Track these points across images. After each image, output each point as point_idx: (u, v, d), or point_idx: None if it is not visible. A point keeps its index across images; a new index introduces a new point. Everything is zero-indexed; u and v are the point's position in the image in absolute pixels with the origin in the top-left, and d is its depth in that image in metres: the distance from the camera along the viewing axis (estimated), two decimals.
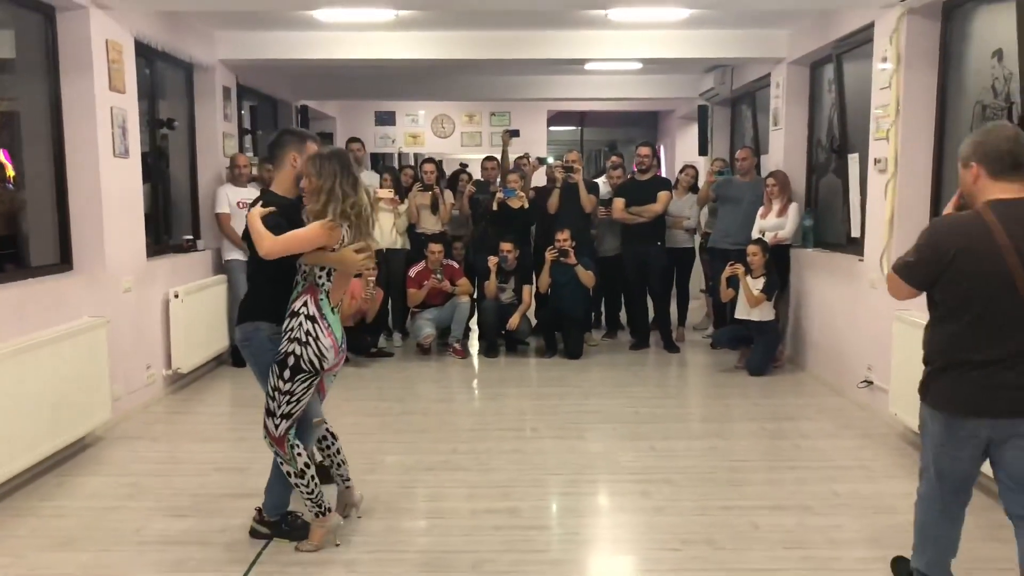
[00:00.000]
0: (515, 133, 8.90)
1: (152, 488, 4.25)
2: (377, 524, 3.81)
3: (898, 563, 3.23)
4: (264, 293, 3.42)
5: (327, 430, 3.74)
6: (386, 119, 12.35)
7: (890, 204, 5.16)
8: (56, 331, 4.53)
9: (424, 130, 12.36)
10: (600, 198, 7.88)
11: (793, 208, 6.94)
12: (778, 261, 6.89)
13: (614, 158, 8.86)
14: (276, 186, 3.50)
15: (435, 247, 7.35)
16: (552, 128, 13.06)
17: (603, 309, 8.48)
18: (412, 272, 7.46)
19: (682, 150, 11.93)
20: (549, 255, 7.32)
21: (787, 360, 6.95)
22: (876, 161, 5.34)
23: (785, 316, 6.98)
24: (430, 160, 7.95)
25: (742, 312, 6.82)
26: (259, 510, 3.67)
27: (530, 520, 3.86)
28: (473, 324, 8.09)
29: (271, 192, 3.50)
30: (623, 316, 8.32)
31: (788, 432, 5.17)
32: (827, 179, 6.81)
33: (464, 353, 7.43)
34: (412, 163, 11.27)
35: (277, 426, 3.37)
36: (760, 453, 4.77)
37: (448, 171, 9.92)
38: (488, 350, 7.48)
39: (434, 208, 7.78)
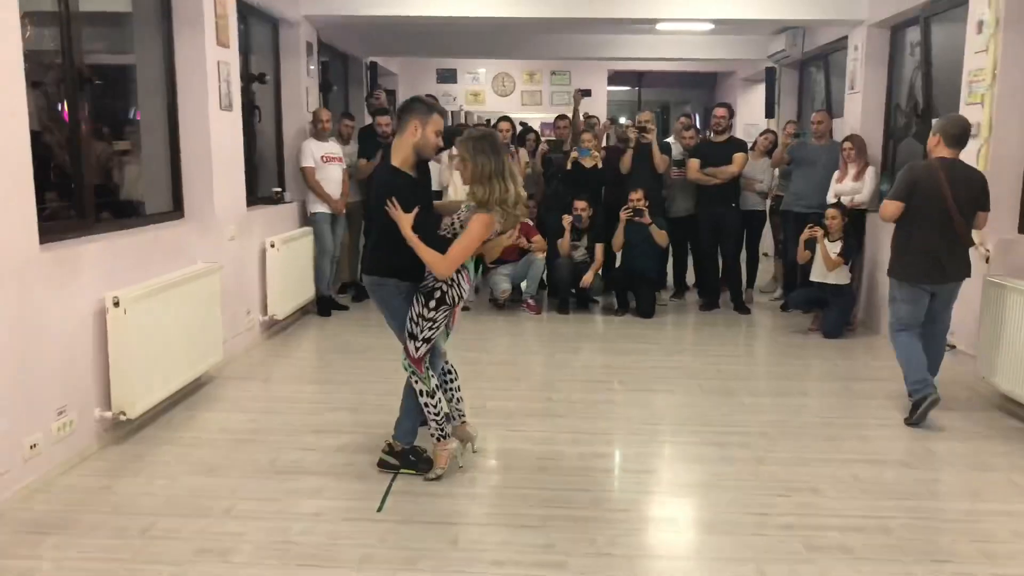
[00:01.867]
0: (586, 93, 8.97)
1: (274, 425, 4.50)
2: (493, 462, 4.03)
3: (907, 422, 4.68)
4: (390, 250, 3.59)
5: (450, 365, 3.97)
6: (447, 76, 12.42)
7: (982, 169, 5.20)
8: (177, 275, 4.77)
9: (485, 88, 12.42)
10: (672, 159, 7.95)
11: (870, 172, 6.99)
12: (854, 225, 6.95)
13: (683, 119, 8.93)
14: (394, 154, 3.56)
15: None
16: (609, 88, 13.05)
17: (671, 269, 8.59)
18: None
19: (744, 112, 11.91)
20: (624, 214, 7.43)
21: (860, 324, 7.04)
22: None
23: (859, 280, 7.05)
24: (506, 119, 8.04)
25: (818, 275, 6.91)
26: (388, 443, 3.90)
27: (638, 464, 4.06)
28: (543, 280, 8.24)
29: (390, 167, 3.54)
30: (689, 277, 8.45)
31: (873, 392, 5.29)
32: (906, 143, 6.84)
33: (538, 309, 7.60)
34: (476, 121, 11.34)
35: (418, 348, 3.63)
36: (848, 411, 4.91)
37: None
38: (560, 306, 7.65)
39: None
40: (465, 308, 7.64)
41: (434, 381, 3.75)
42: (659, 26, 8.72)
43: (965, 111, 5.47)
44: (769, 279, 8.84)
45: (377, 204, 3.57)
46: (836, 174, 7.20)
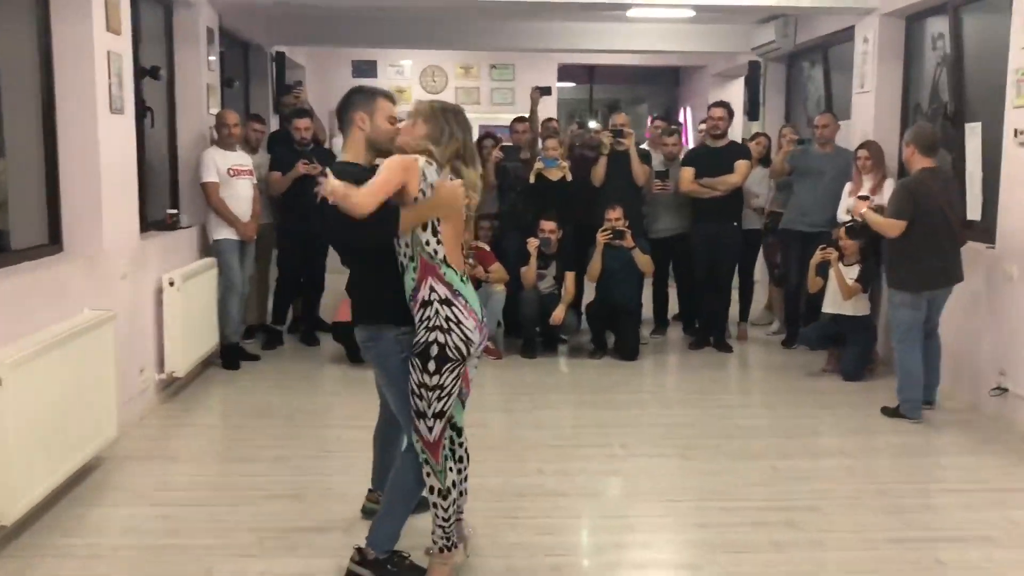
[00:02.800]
0: (546, 91, 8.79)
1: (196, 522, 4.09)
2: (495, 564, 3.71)
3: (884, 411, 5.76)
4: (379, 289, 3.42)
5: (464, 449, 3.68)
6: (366, 70, 12.14)
7: None
8: (58, 329, 4.30)
9: (411, 84, 12.19)
10: (653, 169, 7.83)
11: (888, 185, 6.95)
12: (871, 246, 6.91)
13: (659, 121, 8.85)
14: (347, 154, 3.48)
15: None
16: (559, 84, 12.97)
17: (647, 300, 8.43)
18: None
19: None
20: (602, 237, 7.24)
21: (881, 362, 7.00)
22: (1017, 132, 5.37)
23: (877, 310, 7.02)
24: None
25: (832, 305, 6.85)
26: (359, 549, 3.55)
27: (672, 557, 3.81)
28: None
29: (342, 162, 3.45)
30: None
31: (921, 448, 5.22)
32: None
33: (498, 352, 7.34)
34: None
35: (431, 428, 3.36)
36: (903, 474, 4.82)
37: None
38: (525, 349, 7.40)
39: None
40: (496, 357, 7.23)
41: (452, 476, 3.48)
42: (631, 12, 8.62)
43: (1012, 115, 5.49)
44: (762, 310, 8.78)
45: (332, 231, 3.35)
46: (848, 187, 7.17)
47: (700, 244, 7.60)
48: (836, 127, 7.57)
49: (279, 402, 6.05)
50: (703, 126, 8.56)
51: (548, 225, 7.28)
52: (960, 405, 5.98)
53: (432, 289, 3.30)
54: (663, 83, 14.10)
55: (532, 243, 7.28)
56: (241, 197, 6.90)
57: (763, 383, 6.79)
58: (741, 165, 7.48)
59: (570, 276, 7.44)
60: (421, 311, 3.31)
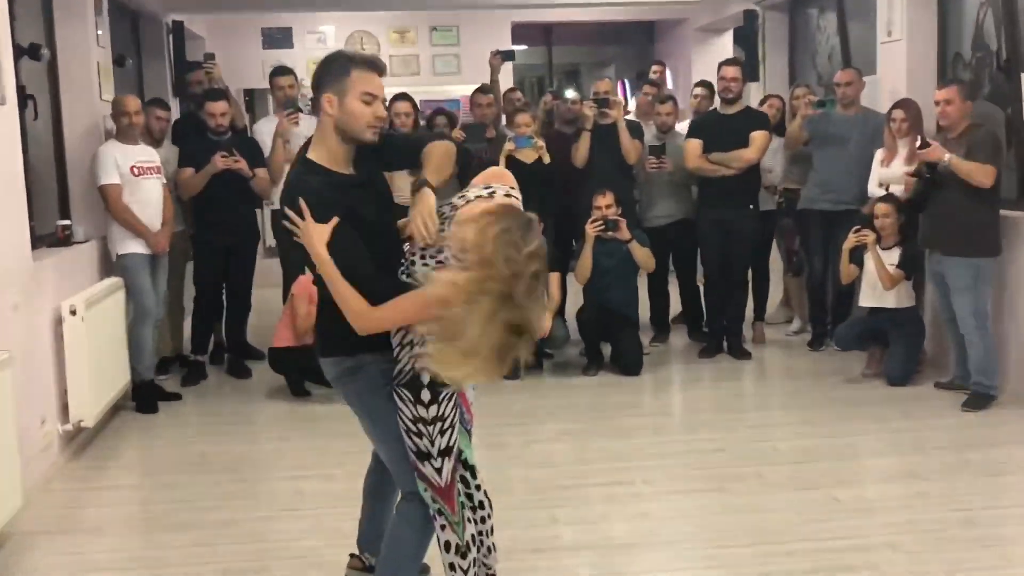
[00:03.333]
0: (508, 56, 8.68)
1: None
2: None
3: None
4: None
5: (482, 493, 3.57)
6: (279, 40, 11.90)
7: None
8: None
9: None
10: (646, 145, 7.75)
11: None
12: (911, 225, 6.89)
13: (649, 87, 8.76)
14: (313, 148, 3.31)
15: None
16: (514, 47, 12.86)
17: (643, 300, 8.34)
18: None
19: (701, 75, 11.87)
20: (592, 229, 7.13)
21: (929, 364, 6.97)
22: None
23: (922, 300, 6.99)
24: (404, 97, 7.62)
25: (871, 298, 6.83)
26: None
27: None
28: None
29: (302, 160, 3.28)
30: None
31: (1006, 465, 5.21)
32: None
33: None
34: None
35: (440, 469, 3.26)
36: (992, 497, 4.79)
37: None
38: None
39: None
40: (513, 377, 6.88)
41: (471, 529, 3.38)
42: None
43: None
44: (777, 306, 8.73)
45: (292, 241, 3.21)
46: (879, 154, 7.14)
47: (710, 233, 7.51)
48: (861, 84, 7.54)
49: (215, 451, 5.85)
50: (699, 91, 8.52)
51: None
52: None
53: None
54: (635, 42, 14.06)
55: None
56: (149, 201, 6.67)
57: (795, 395, 6.72)
58: (759, 137, 7.40)
59: (554, 278, 7.28)
60: (401, 330, 3.18)
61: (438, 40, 12.19)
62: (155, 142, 7.21)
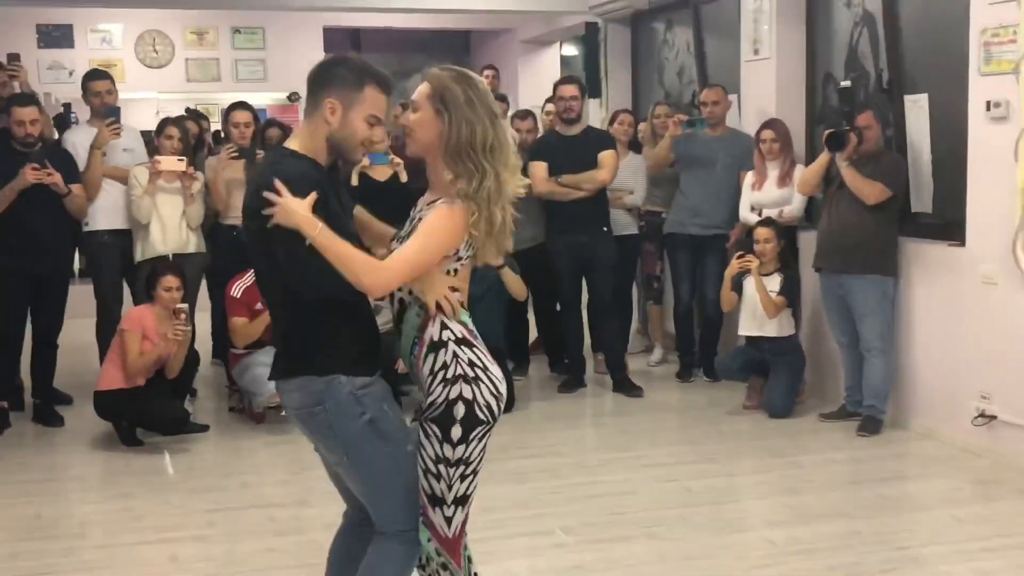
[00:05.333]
0: None
1: None
2: None
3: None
4: (323, 327, 3.18)
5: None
6: (58, 38, 11.32)
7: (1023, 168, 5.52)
8: None
9: (123, 56, 11.43)
10: None
11: (800, 171, 7.20)
12: (789, 251, 7.12)
13: (506, 105, 8.68)
14: (298, 142, 3.24)
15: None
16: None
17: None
18: (235, 290, 6.84)
19: (528, 89, 12.00)
20: None
21: (809, 393, 7.20)
22: (991, 106, 5.68)
23: (799, 329, 7.21)
24: (243, 106, 7.31)
25: (751, 327, 6.99)
26: None
27: None
28: None
29: (287, 151, 3.22)
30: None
31: (922, 497, 5.41)
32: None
33: None
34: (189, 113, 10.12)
35: (451, 519, 3.18)
36: (926, 534, 4.93)
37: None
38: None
39: None
40: (203, 427, 6.71)
41: None
42: None
43: (980, 84, 5.80)
44: (633, 334, 8.83)
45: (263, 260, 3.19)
46: (750, 177, 7.36)
47: (566, 260, 7.50)
48: (728, 104, 7.77)
49: (52, 512, 5.40)
50: (549, 107, 8.56)
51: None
52: (939, 438, 6.26)
53: (444, 327, 3.14)
54: (448, 51, 14.02)
55: None
56: None
57: (683, 429, 6.80)
58: (608, 157, 7.45)
59: None
60: (430, 357, 3.13)
61: (242, 43, 11.83)
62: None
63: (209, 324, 8.16)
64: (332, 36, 12.40)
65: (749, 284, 6.88)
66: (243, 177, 7.10)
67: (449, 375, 3.10)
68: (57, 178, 6.57)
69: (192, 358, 6.84)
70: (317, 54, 11.99)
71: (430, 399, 3.12)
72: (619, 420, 7.00)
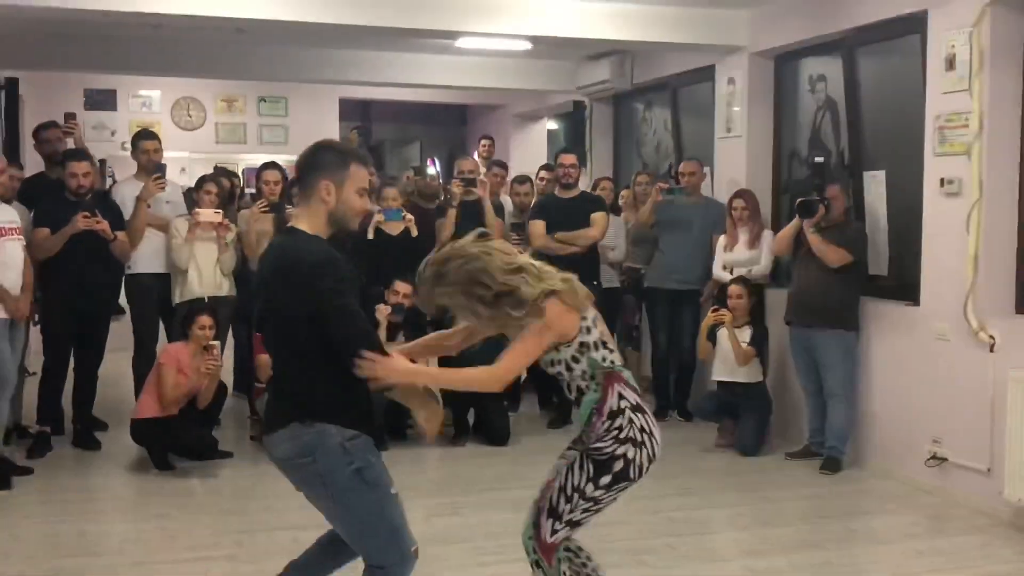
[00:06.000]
0: (365, 132, 8.36)
1: None
2: None
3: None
4: (323, 381, 3.15)
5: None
6: (102, 101, 11.15)
7: (975, 238, 5.47)
8: None
9: (161, 118, 11.28)
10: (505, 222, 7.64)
11: (767, 237, 7.16)
12: (758, 305, 7.04)
13: (496, 168, 8.62)
14: (305, 223, 3.26)
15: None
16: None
17: None
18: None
19: (520, 158, 11.92)
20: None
21: (774, 434, 7.09)
22: (945, 182, 5.64)
23: (767, 375, 7.11)
24: (273, 166, 7.21)
25: (724, 372, 6.89)
26: None
27: None
28: None
29: (300, 232, 3.21)
30: None
31: (885, 532, 5.30)
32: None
33: None
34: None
35: (555, 531, 3.35)
36: (893, 564, 4.83)
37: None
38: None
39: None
40: (228, 454, 6.50)
41: None
42: (460, 43, 8.40)
43: (934, 163, 5.76)
44: None
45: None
46: (722, 240, 7.31)
47: None
48: (703, 175, 7.73)
49: (95, 530, 5.25)
50: (544, 173, 8.54)
51: (403, 288, 6.84)
52: (895, 477, 6.15)
53: (621, 396, 3.30)
54: (448, 123, 14.01)
55: (382, 311, 6.80)
56: (9, 264, 5.90)
57: (662, 465, 6.53)
58: (599, 218, 7.42)
59: None
60: (609, 421, 3.29)
61: (267, 110, 11.73)
62: (6, 199, 6.43)
63: (232, 359, 7.98)
64: (346, 106, 12.30)
65: (722, 335, 6.79)
66: (271, 229, 6.99)
67: (622, 436, 3.26)
68: (105, 225, 6.43)
69: (221, 390, 6.66)
70: (333, 120, 11.96)
71: (599, 444, 3.27)
72: None
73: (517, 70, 9.94)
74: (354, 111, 13.09)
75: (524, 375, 8.37)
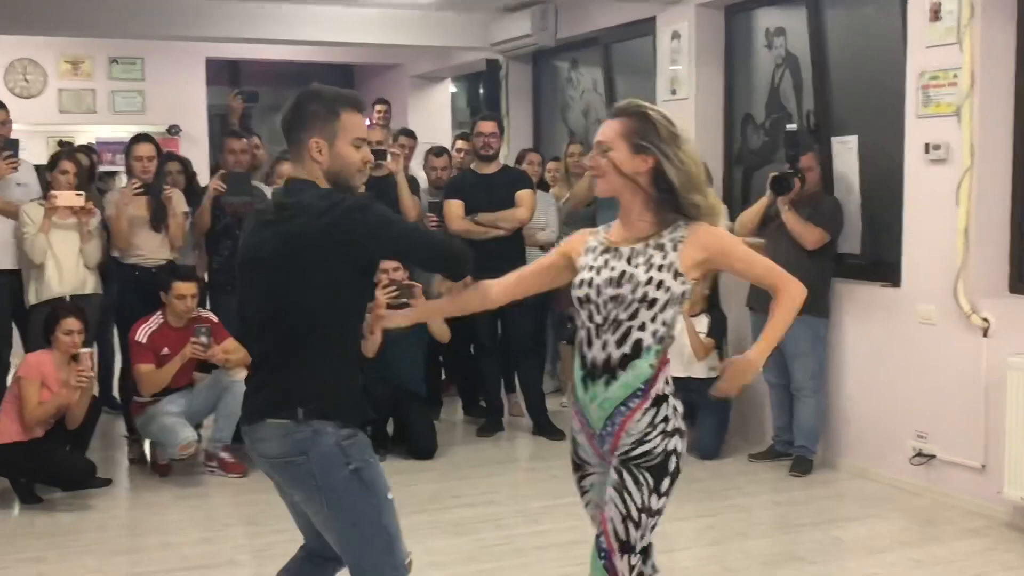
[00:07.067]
0: (251, 97, 8.16)
1: None
2: None
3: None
4: (322, 371, 3.17)
5: None
6: None
7: (966, 209, 5.61)
8: None
9: None
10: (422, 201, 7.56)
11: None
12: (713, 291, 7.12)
13: (403, 138, 8.51)
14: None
15: (186, 288, 6.51)
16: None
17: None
18: (140, 335, 6.53)
19: (420, 126, 11.77)
20: (384, 296, 6.75)
21: (733, 434, 7.18)
22: (930, 148, 5.76)
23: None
24: (145, 139, 6.98)
25: (677, 368, 6.85)
26: None
27: None
28: None
29: (311, 184, 3.21)
30: None
31: (877, 540, 5.40)
32: (767, 171, 7.12)
33: (241, 465, 6.59)
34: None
35: (632, 568, 3.16)
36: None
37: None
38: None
39: (156, 221, 6.81)
40: (105, 482, 6.32)
41: None
42: None
43: (916, 127, 5.88)
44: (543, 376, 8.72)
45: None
46: None
47: None
48: None
49: None
50: (460, 143, 8.47)
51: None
52: (873, 477, 6.29)
53: (667, 381, 3.23)
54: (332, 85, 13.76)
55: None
56: None
57: None
58: (525, 196, 7.39)
59: None
60: (652, 410, 3.17)
61: (120, 74, 11.37)
62: None
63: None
64: (214, 67, 12.01)
65: (677, 325, 6.80)
66: (147, 215, 6.78)
67: (670, 428, 3.16)
68: None
69: (94, 406, 6.43)
70: (199, 85, 11.66)
71: (643, 447, 3.12)
72: (548, 464, 6.82)
73: (420, 24, 9.79)
74: (223, 73, 12.81)
75: (444, 374, 8.38)
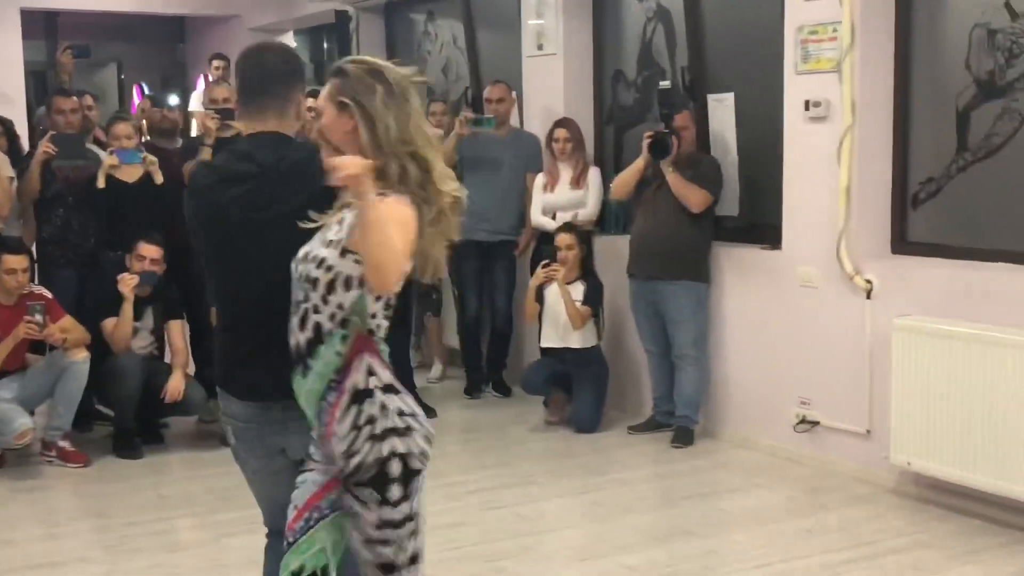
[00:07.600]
0: (83, 52, 7.92)
1: None
2: None
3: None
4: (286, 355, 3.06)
5: None
6: None
7: (847, 168, 5.81)
8: None
9: None
10: None
11: (594, 175, 7.37)
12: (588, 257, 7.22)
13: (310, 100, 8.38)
14: None
15: (16, 262, 6.34)
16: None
17: None
18: None
19: None
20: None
21: (610, 406, 7.32)
22: (810, 105, 5.96)
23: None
24: None
25: (554, 338, 7.04)
26: None
27: None
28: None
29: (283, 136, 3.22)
30: None
31: (764, 512, 5.58)
32: (640, 131, 7.26)
33: (82, 455, 6.49)
34: None
35: None
36: (783, 548, 5.09)
37: None
38: (124, 446, 6.66)
39: None
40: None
41: None
42: None
43: (795, 83, 6.07)
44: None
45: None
46: (540, 179, 7.44)
47: None
48: (513, 101, 7.84)
49: None
50: (311, 102, 8.34)
51: (151, 251, 6.65)
52: (756, 447, 6.50)
53: (371, 372, 2.96)
54: (157, 40, 13.53)
55: (126, 281, 6.54)
56: None
57: (491, 451, 6.77)
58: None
59: (175, 326, 6.89)
60: (353, 409, 2.92)
61: None
62: None
63: None
64: (28, 19, 11.58)
65: (552, 293, 6.93)
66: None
67: (378, 430, 2.91)
68: None
69: None
70: (14, 38, 11.21)
71: (354, 460, 2.90)
72: None
73: None
74: (39, 26, 12.38)
75: None
